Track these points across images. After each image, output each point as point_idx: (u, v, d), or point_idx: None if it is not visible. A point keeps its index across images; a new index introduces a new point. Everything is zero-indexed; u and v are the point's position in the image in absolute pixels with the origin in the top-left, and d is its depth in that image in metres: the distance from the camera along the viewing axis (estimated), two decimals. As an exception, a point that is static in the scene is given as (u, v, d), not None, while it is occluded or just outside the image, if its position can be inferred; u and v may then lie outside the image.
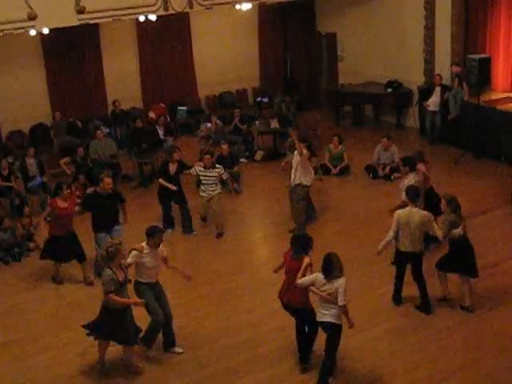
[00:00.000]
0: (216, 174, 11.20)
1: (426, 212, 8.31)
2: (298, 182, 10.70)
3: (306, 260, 7.19)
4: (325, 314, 7.05)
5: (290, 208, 11.31)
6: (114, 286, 7.26)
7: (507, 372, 7.34)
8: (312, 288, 7.07)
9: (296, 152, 10.62)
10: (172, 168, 11.22)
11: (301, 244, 7.30)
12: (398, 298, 8.73)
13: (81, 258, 9.93)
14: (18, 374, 7.90)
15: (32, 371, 7.93)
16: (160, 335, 8.01)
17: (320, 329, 7.28)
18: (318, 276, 7.04)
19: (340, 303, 6.91)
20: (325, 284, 6.95)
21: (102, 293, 7.39)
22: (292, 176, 10.80)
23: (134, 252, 7.66)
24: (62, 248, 9.73)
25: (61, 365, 8.00)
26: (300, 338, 7.56)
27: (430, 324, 8.28)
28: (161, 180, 11.24)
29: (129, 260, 7.63)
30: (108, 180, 9.80)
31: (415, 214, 8.22)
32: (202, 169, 11.18)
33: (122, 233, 9.88)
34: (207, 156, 11.21)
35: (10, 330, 8.89)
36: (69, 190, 9.83)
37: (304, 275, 7.13)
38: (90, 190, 9.90)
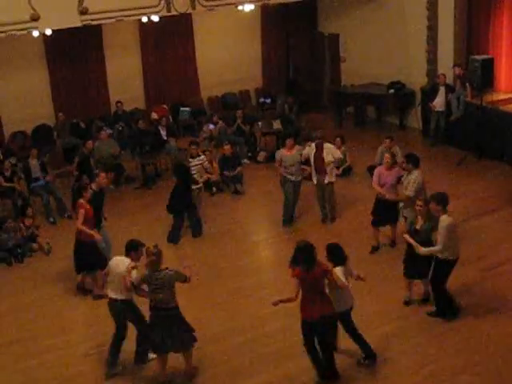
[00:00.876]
0: (201, 162, 11.60)
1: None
2: (331, 179, 11.15)
3: (328, 265, 7.14)
4: (348, 302, 7.30)
5: (292, 200, 11.43)
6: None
7: (509, 372, 7.33)
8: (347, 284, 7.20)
9: (327, 146, 11.12)
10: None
11: (311, 254, 7.01)
12: (455, 311, 8.44)
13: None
14: (20, 375, 7.93)
15: (34, 371, 7.96)
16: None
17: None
18: (341, 268, 7.20)
19: (356, 274, 7.43)
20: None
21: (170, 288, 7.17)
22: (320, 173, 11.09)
23: (135, 270, 7.43)
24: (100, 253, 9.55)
25: (62, 365, 8.03)
26: (316, 353, 7.27)
27: (431, 325, 8.26)
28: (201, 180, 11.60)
29: (136, 277, 7.37)
30: (104, 174, 9.93)
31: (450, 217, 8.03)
32: (191, 159, 11.55)
33: None
34: (193, 146, 11.67)
35: (12, 330, 8.91)
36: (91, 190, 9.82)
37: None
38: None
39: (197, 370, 7.65)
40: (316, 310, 7.00)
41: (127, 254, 7.54)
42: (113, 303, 7.67)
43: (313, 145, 11.18)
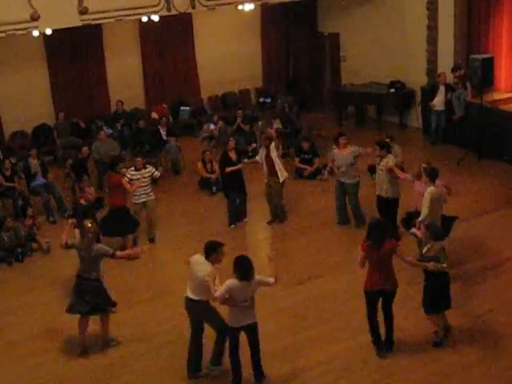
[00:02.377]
0: (149, 174, 10.95)
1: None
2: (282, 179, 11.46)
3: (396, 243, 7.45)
4: (250, 316, 7.19)
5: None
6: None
7: (508, 370, 7.36)
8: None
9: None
10: (233, 156, 11.47)
11: (381, 232, 7.30)
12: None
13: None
14: (19, 375, 7.92)
15: (33, 371, 7.94)
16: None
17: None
18: (234, 282, 6.97)
19: (272, 281, 7.12)
20: (243, 287, 6.95)
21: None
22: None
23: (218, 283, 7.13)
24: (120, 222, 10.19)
25: (61, 365, 8.02)
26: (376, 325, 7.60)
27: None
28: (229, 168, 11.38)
29: (219, 294, 7.02)
30: (90, 189, 10.14)
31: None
32: (135, 172, 10.87)
33: None
34: (138, 159, 11.07)
35: (11, 331, 8.90)
36: (125, 170, 10.77)
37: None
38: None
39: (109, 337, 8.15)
40: (377, 284, 7.34)
41: (207, 257, 7.30)
42: (188, 302, 7.44)
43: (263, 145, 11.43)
